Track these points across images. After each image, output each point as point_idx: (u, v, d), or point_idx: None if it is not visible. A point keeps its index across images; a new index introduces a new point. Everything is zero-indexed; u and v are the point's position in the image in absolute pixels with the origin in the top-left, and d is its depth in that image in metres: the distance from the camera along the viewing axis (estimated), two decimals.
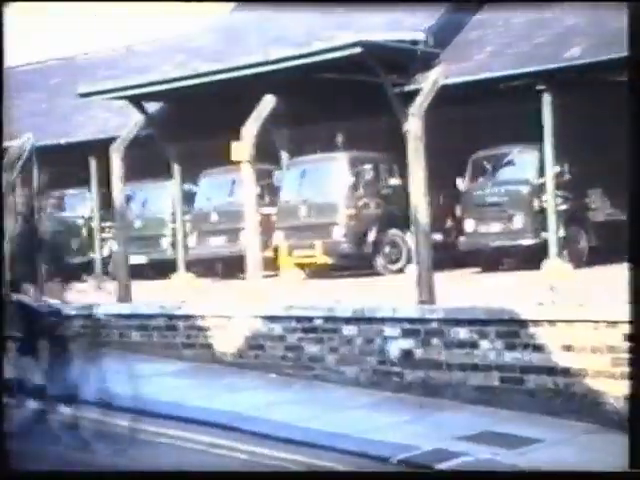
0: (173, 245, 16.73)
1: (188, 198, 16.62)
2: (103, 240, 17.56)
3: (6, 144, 13.15)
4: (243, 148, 11.10)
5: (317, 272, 14.52)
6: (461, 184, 13.86)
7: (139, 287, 12.65)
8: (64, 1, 21.29)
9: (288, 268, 14.53)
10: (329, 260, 14.28)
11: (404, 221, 13.07)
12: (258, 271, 11.00)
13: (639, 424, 5.06)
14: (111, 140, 13.62)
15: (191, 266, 16.45)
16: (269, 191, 15.39)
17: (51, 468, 6.07)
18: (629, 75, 5.24)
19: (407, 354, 8.60)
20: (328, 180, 14.70)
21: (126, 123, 14.68)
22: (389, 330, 8.80)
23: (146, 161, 15.32)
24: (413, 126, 9.72)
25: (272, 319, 9.72)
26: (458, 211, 14.20)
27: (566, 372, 7.58)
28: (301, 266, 14.58)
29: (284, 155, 15.39)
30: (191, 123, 15.07)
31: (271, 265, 14.05)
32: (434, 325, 8.50)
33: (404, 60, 13.27)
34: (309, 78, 13.20)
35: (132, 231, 15.23)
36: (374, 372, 8.79)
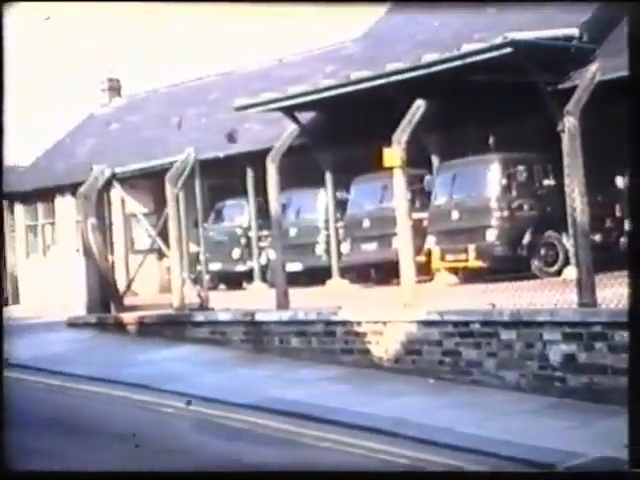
0: (327, 252, 17.04)
1: (341, 205, 16.90)
2: (261, 249, 18.11)
3: (171, 159, 13.86)
4: (395, 154, 11.14)
5: (471, 276, 14.38)
6: (621, 182, 13.38)
7: (296, 294, 12.94)
8: (82, 1, 21.66)
9: (441, 272, 14.48)
10: (483, 264, 14.11)
11: (560, 222, 12.76)
12: (412, 276, 11.02)
13: (639, 424, 4.88)
14: (266, 151, 14.02)
15: (345, 272, 16.70)
16: (420, 196, 15.39)
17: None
18: (629, 75, 5.07)
19: (569, 358, 8.40)
20: (480, 183, 14.54)
21: (279, 134, 15.10)
22: (549, 334, 8.62)
23: (300, 170, 15.69)
24: (569, 124, 9.47)
25: (428, 324, 9.73)
26: (618, 211, 13.71)
27: None
28: (454, 270, 14.49)
29: (435, 159, 15.36)
30: (343, 131, 15.32)
31: (424, 270, 14.04)
32: (597, 328, 8.25)
33: (558, 58, 12.97)
34: (460, 80, 13.14)
35: (287, 239, 15.63)
36: (535, 377, 8.63)
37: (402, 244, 11.18)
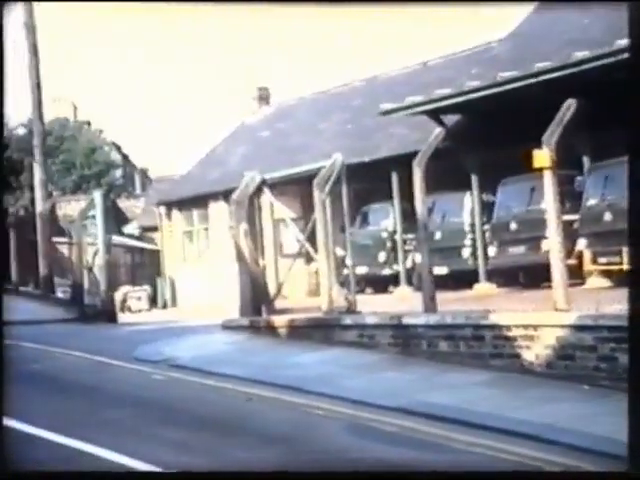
0: (474, 255, 16.87)
1: (487, 208, 16.69)
2: (406, 252, 18.14)
3: (318, 164, 14.11)
4: (544, 155, 10.93)
5: (625, 279, 13.83)
6: None
7: (442, 297, 12.90)
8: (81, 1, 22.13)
9: (593, 276, 14.04)
10: None
11: None
12: (563, 279, 10.76)
13: (639, 424, 4.88)
14: (411, 155, 14.08)
15: (492, 276, 16.47)
16: (570, 197, 14.98)
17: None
18: (629, 74, 4.89)
19: None
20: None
21: (424, 137, 15.09)
22: None
23: (445, 173, 15.61)
24: None
25: (582, 328, 9.48)
26: None
27: None
28: (607, 273, 14.01)
29: (586, 159, 14.90)
30: (489, 133, 15.13)
31: (575, 273, 13.65)
32: None
33: None
34: (612, 78, 12.70)
35: (433, 242, 15.57)
36: None
37: (553, 247, 10.95)
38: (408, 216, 16.62)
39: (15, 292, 23.49)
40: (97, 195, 20.36)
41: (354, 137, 19.99)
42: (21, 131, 45.46)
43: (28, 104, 23.83)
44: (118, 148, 53.25)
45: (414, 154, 13.57)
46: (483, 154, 15.80)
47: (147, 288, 25.52)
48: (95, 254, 19.76)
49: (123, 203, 39.55)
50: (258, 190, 15.04)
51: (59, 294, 22.29)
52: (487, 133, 15.25)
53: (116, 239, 27.37)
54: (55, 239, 23.96)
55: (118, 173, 51.55)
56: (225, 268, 18.62)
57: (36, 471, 5.95)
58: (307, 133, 22.70)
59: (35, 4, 22.88)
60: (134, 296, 25.06)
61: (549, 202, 11.02)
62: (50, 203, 24.53)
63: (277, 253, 16.22)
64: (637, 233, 5.38)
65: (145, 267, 27.96)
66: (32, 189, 26.01)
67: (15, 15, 23.05)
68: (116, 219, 31.31)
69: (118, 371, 11.70)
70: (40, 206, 23.14)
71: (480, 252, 16.58)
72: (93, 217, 19.53)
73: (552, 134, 10.96)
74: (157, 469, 6.38)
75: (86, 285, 20.10)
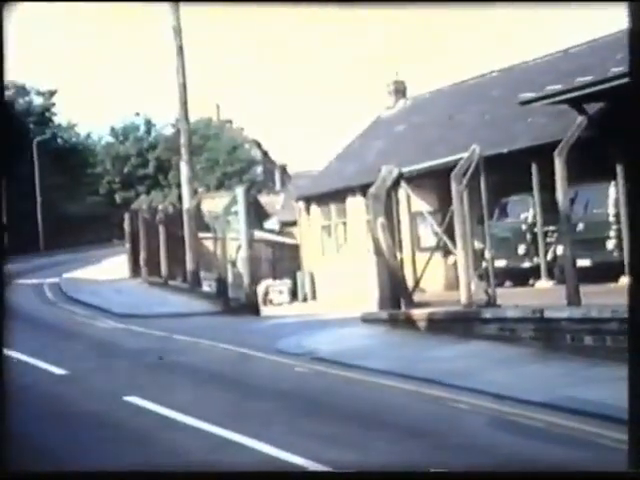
0: (619, 247, 16.32)
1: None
2: (547, 244, 17.75)
3: (456, 156, 14.03)
4: None
5: None
6: None
7: (586, 290, 12.59)
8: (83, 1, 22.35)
9: None
10: None
11: None
12: None
13: (639, 424, 4.19)
14: (551, 145, 13.76)
15: None
16: None
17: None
18: (630, 76, 4.87)
19: None
20: None
21: (564, 127, 14.72)
22: None
23: (587, 163, 15.17)
24: None
25: None
26: None
27: None
28: None
29: None
30: (635, 120, 14.58)
31: None
32: None
33: None
34: None
35: (575, 234, 15.16)
36: None
37: None
38: (548, 208, 16.26)
39: (165, 285, 24.60)
40: (239, 191, 20.99)
41: (492, 128, 19.69)
42: (168, 131, 47.40)
43: (175, 104, 24.82)
44: (258, 145, 54.65)
45: (555, 144, 13.26)
46: (629, 143, 15.22)
47: (288, 282, 26.05)
48: (238, 249, 20.40)
49: (264, 199, 40.54)
50: (395, 184, 15.09)
51: (205, 287, 23.12)
52: (633, 121, 14.68)
53: (257, 234, 28.09)
54: (200, 234, 24.84)
55: (259, 170, 52.94)
56: (363, 262, 18.80)
57: (36, 471, 6.02)
58: (444, 125, 22.54)
59: (182, 8, 23.74)
60: (276, 289, 25.64)
61: None
62: (196, 200, 25.46)
63: (414, 246, 16.18)
64: (636, 231, 5.19)
65: (285, 261, 28.55)
66: (179, 186, 27.13)
67: (164, 19, 24.09)
68: (257, 214, 32.14)
69: (262, 363, 12.05)
70: (187, 203, 24.09)
71: (626, 244, 16.00)
72: (236, 213, 20.18)
73: None
74: (306, 462, 6.53)
75: (230, 279, 20.79)
